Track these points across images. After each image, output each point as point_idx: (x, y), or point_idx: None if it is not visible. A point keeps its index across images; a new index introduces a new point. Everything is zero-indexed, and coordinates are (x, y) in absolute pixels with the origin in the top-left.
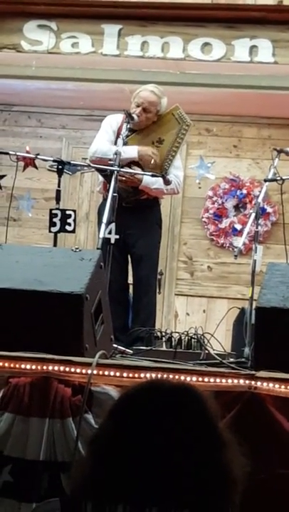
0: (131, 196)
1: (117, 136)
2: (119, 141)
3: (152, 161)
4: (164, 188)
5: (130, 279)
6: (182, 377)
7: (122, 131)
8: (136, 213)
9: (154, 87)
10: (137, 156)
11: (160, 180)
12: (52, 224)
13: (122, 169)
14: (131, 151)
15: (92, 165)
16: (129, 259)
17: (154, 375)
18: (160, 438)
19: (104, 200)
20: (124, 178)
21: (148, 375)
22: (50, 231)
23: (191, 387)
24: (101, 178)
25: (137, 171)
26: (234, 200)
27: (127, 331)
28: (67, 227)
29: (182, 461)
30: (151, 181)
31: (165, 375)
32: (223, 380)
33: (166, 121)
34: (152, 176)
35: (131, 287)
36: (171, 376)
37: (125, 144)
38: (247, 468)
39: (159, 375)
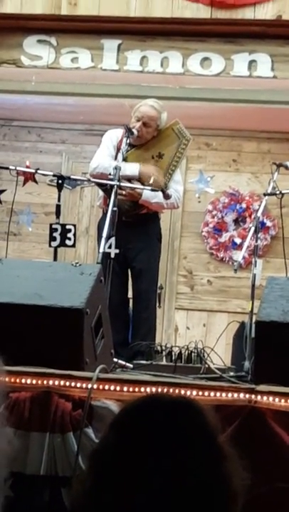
0: (131, 211)
1: (118, 151)
2: (119, 155)
3: (152, 180)
4: (164, 203)
5: (130, 294)
6: (182, 392)
7: (122, 145)
8: (136, 228)
9: (154, 102)
10: (138, 175)
11: (160, 194)
12: (52, 238)
13: (122, 184)
14: (132, 169)
15: (91, 179)
16: (129, 273)
17: (154, 390)
18: (160, 452)
19: (104, 214)
20: (124, 193)
21: (148, 390)
22: (50, 245)
23: (191, 400)
24: (101, 193)
25: (137, 185)
26: (234, 214)
27: (128, 345)
28: (68, 242)
29: (182, 474)
30: (151, 195)
31: (165, 389)
32: (224, 394)
33: (165, 136)
34: (152, 190)
35: (131, 301)
36: (171, 390)
37: (125, 158)
38: (247, 481)
39: (160, 389)
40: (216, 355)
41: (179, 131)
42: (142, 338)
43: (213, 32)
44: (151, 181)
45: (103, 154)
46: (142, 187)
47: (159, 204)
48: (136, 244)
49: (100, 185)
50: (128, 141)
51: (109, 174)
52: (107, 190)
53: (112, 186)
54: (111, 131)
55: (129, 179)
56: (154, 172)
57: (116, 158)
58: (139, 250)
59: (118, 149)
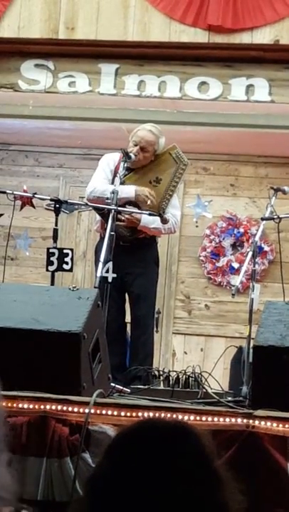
0: (129, 235)
1: (114, 175)
2: (117, 179)
3: (149, 202)
4: (162, 228)
5: (128, 318)
6: (180, 416)
7: (119, 170)
8: (133, 252)
9: (152, 127)
10: (134, 196)
11: (158, 219)
12: (49, 263)
13: (119, 208)
14: (128, 191)
15: (89, 204)
16: (127, 298)
17: (151, 414)
18: (156, 476)
19: (102, 239)
20: (123, 218)
21: (146, 414)
22: (47, 270)
23: (186, 424)
24: (98, 217)
25: (134, 209)
26: (231, 238)
27: (125, 369)
28: (65, 266)
29: (179, 499)
30: (149, 221)
31: (163, 414)
32: (221, 419)
33: (163, 161)
34: (150, 214)
35: (128, 326)
36: (169, 415)
37: (122, 183)
38: (244, 505)
39: (157, 414)
40: (213, 380)
41: (176, 155)
42: (139, 363)
43: (210, 56)
44: (148, 202)
45: (99, 178)
46: (139, 211)
47: (158, 229)
48: (133, 270)
49: (97, 209)
50: (125, 165)
51: (106, 199)
52: (104, 214)
53: (109, 211)
54: (108, 155)
55: (125, 203)
56: (148, 194)
57: (113, 182)
58: (136, 275)
59: (115, 173)
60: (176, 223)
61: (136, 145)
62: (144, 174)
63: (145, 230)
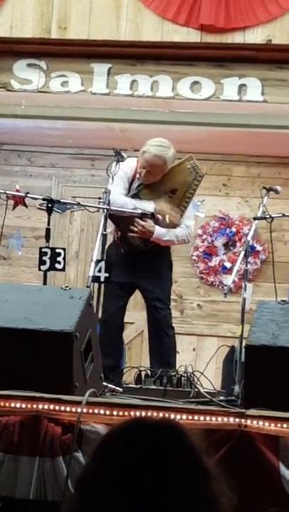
0: (142, 246)
1: (132, 183)
2: (134, 185)
3: (167, 219)
4: (176, 239)
5: (126, 319)
6: (172, 416)
7: (136, 177)
8: (147, 259)
9: (157, 150)
10: (153, 213)
11: (172, 231)
12: (42, 262)
13: (111, 207)
14: (147, 207)
15: (81, 204)
16: (144, 302)
17: (144, 414)
18: (145, 475)
19: (114, 242)
20: (136, 229)
21: (138, 414)
22: (39, 269)
23: (174, 423)
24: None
25: (150, 222)
26: (224, 238)
27: (118, 369)
28: (57, 266)
29: (168, 496)
30: (162, 232)
31: (155, 414)
32: (213, 419)
33: (178, 172)
34: (142, 214)
35: (126, 327)
36: (161, 414)
37: (137, 192)
38: (234, 501)
39: (149, 414)
40: (205, 380)
41: (192, 167)
42: (165, 364)
43: (203, 56)
44: (167, 221)
45: (116, 191)
46: (138, 213)
47: (171, 240)
48: (148, 274)
49: (111, 219)
50: (118, 165)
51: (99, 199)
52: (118, 224)
53: (119, 219)
54: (124, 165)
55: (144, 216)
56: (168, 210)
57: (129, 190)
58: (152, 279)
59: (132, 180)
60: (189, 234)
61: (143, 167)
62: (159, 186)
63: (158, 242)
